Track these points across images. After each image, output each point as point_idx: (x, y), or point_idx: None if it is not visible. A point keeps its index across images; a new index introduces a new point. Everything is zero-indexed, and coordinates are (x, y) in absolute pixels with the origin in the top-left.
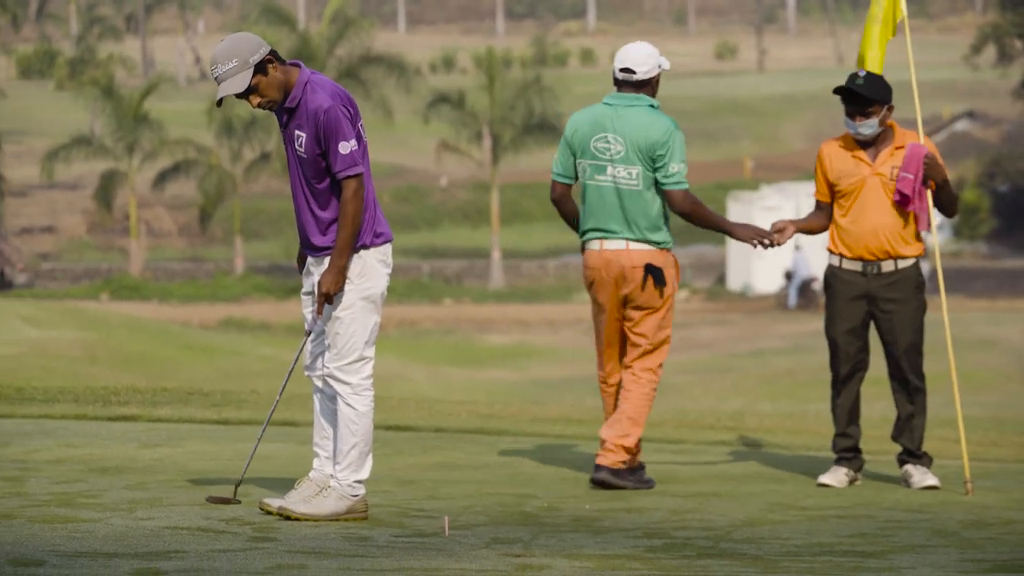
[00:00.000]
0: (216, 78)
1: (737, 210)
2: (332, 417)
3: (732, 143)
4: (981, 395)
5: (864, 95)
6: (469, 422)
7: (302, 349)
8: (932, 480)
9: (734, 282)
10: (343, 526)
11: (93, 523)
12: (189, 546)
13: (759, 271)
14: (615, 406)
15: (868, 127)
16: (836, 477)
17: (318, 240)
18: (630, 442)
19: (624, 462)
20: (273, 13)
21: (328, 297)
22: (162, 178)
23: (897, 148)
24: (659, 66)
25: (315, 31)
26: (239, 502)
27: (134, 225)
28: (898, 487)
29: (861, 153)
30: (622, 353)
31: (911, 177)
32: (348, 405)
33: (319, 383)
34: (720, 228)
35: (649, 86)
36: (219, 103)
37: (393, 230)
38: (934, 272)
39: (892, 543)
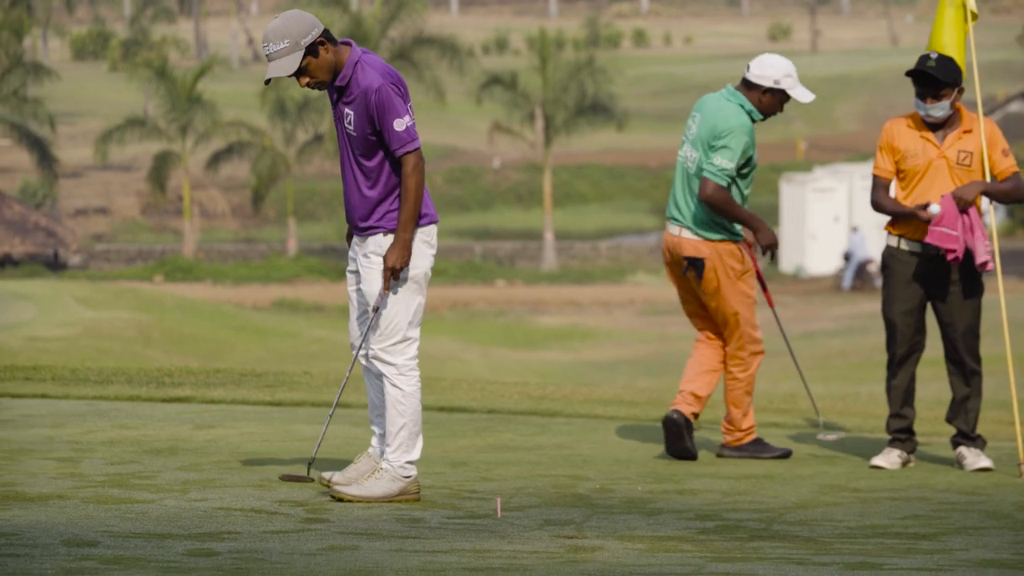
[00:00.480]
0: (267, 56)
1: (790, 192)
2: (381, 396)
3: (785, 124)
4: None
5: (937, 77)
6: (521, 403)
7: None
8: (986, 462)
9: (787, 264)
10: (395, 507)
11: (147, 504)
12: (242, 527)
13: (812, 253)
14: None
15: (939, 109)
16: (889, 459)
17: (364, 219)
18: (735, 419)
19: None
20: None
21: (395, 272)
22: (215, 159)
23: (965, 132)
24: (774, 80)
25: (368, 12)
26: (312, 480)
27: (187, 206)
28: (951, 469)
29: (929, 134)
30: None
31: (955, 234)
32: (394, 386)
33: (364, 363)
34: (747, 222)
35: (756, 92)
36: (267, 82)
37: (445, 211)
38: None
39: (945, 525)
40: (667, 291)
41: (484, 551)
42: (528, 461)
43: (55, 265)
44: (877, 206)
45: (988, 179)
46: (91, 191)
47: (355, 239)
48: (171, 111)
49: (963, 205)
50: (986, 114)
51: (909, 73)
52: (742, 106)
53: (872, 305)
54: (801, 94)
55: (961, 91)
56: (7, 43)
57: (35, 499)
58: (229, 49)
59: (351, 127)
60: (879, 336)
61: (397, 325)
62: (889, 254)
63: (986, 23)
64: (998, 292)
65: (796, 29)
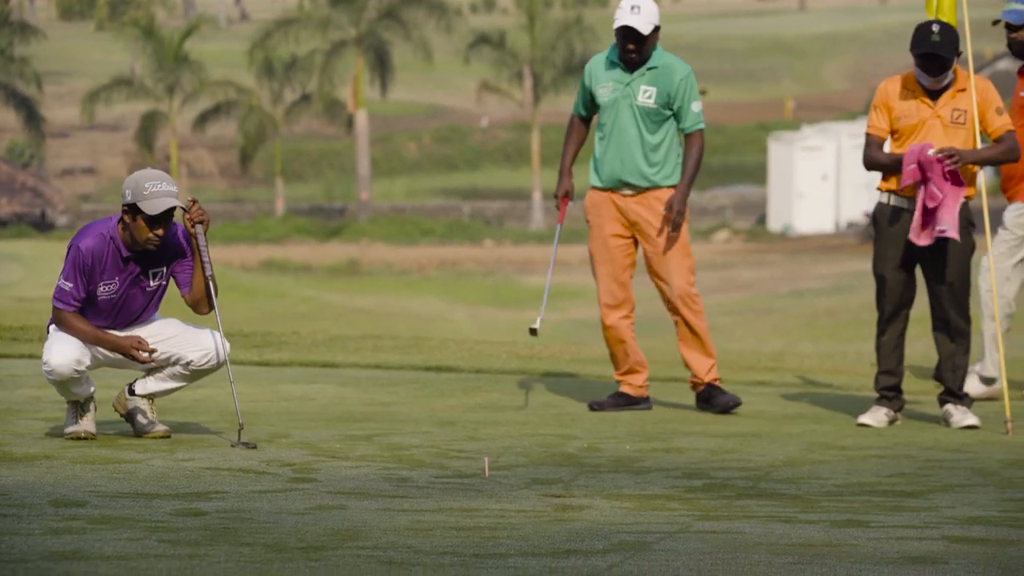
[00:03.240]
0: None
1: (778, 150)
2: None
3: (773, 83)
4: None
5: (944, 56)
6: (509, 363)
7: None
8: (972, 419)
9: (775, 223)
10: (383, 467)
11: (134, 464)
12: (229, 487)
13: (800, 211)
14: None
15: (942, 80)
16: (875, 417)
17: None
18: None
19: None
20: None
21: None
22: (203, 119)
23: (959, 91)
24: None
25: None
26: (255, 446)
27: (175, 166)
28: (938, 427)
29: (924, 95)
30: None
31: (947, 229)
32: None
33: None
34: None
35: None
36: (630, 42)
37: (433, 171)
38: (979, 211)
39: (931, 482)
40: None
41: (472, 510)
42: (516, 421)
43: (42, 225)
44: (870, 162)
45: (978, 139)
46: (78, 151)
47: None
48: (158, 70)
49: (961, 163)
50: (975, 72)
51: (917, 54)
52: (606, 52)
53: (857, 263)
54: (616, 20)
55: (959, 53)
56: None
57: (22, 459)
58: (216, 8)
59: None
60: (867, 294)
61: None
62: (880, 211)
63: None
64: (986, 250)
65: None
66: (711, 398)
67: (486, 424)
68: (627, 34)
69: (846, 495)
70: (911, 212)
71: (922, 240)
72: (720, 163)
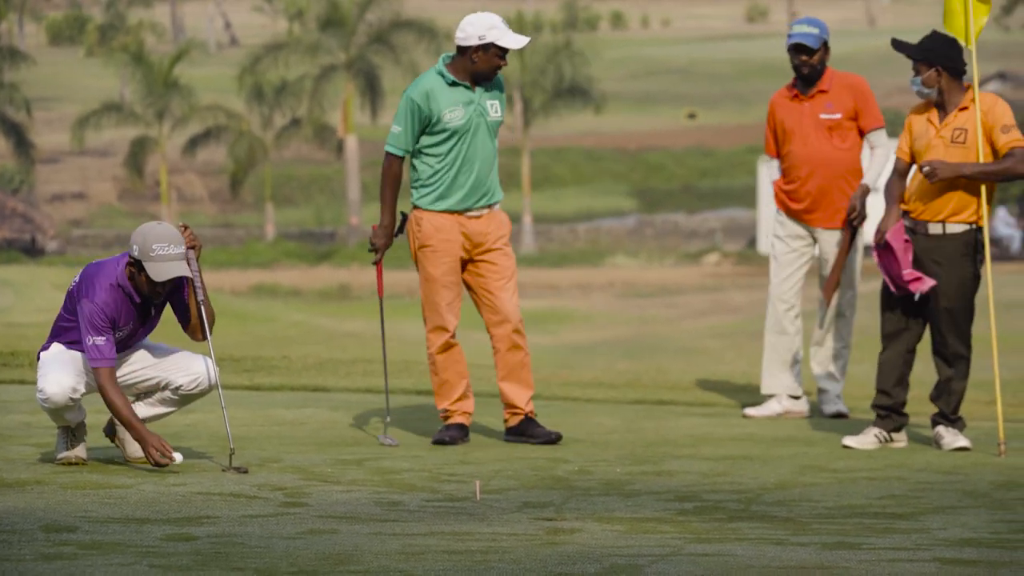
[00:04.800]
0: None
1: (768, 173)
2: None
3: (763, 106)
4: (1012, 357)
5: (908, 51)
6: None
7: None
8: (963, 442)
9: (765, 245)
10: (374, 491)
11: (125, 489)
12: (221, 512)
13: None
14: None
15: (914, 84)
16: (861, 440)
17: None
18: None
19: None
20: None
21: None
22: (192, 144)
23: (961, 110)
24: (479, 37)
25: None
26: (246, 471)
27: (165, 191)
28: (929, 448)
29: (934, 115)
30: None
31: (915, 277)
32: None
33: None
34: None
35: (468, 54)
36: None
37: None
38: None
39: (923, 504)
40: (646, 274)
41: (463, 534)
42: (507, 444)
43: (32, 251)
44: (885, 190)
45: (981, 158)
46: (68, 176)
47: None
48: (148, 96)
49: (936, 175)
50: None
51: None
52: (436, 70)
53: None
54: (512, 40)
55: (946, 71)
56: None
57: (13, 485)
58: (206, 33)
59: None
60: (860, 317)
61: None
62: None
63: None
64: (987, 273)
65: (774, 11)
66: (527, 430)
67: (477, 448)
68: (504, 53)
69: (837, 517)
70: (921, 234)
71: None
72: (710, 186)
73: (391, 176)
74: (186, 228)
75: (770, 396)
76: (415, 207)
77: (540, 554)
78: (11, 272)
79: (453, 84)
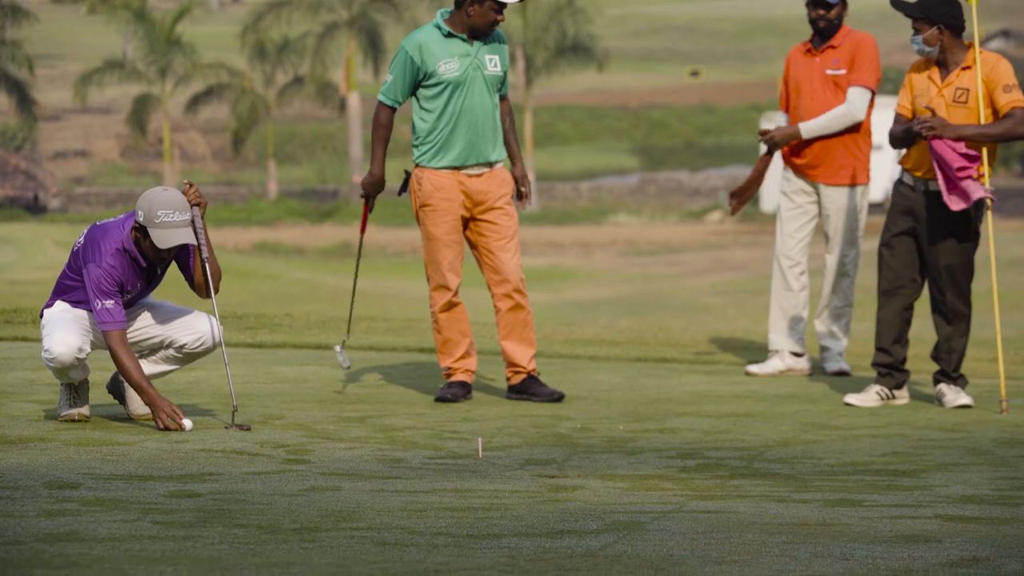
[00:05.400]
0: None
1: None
2: None
3: (767, 64)
4: (1014, 315)
5: (908, 10)
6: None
7: None
8: (965, 399)
9: (768, 203)
10: (377, 448)
11: (128, 446)
12: (223, 468)
13: None
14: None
15: (915, 43)
16: (863, 397)
17: None
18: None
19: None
20: None
21: None
22: (195, 102)
23: (964, 69)
24: None
25: None
26: (249, 428)
27: (167, 149)
28: (931, 406)
29: (935, 73)
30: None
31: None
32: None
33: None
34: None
35: (464, 8)
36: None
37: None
38: None
39: (925, 461)
40: (648, 232)
41: (465, 491)
42: (509, 402)
43: (35, 208)
44: (889, 137)
45: (982, 119)
46: (71, 134)
47: None
48: (150, 53)
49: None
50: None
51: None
52: (434, 23)
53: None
54: None
55: (948, 29)
56: None
57: (16, 442)
58: None
59: None
60: (861, 275)
61: None
62: (895, 188)
63: None
64: (988, 228)
65: None
66: (529, 388)
67: (479, 405)
68: (501, 8)
69: (839, 474)
70: (921, 192)
71: (953, 205)
72: (713, 144)
73: (379, 125)
74: (191, 185)
75: (774, 352)
76: (416, 165)
77: (542, 511)
78: (14, 229)
79: (449, 36)
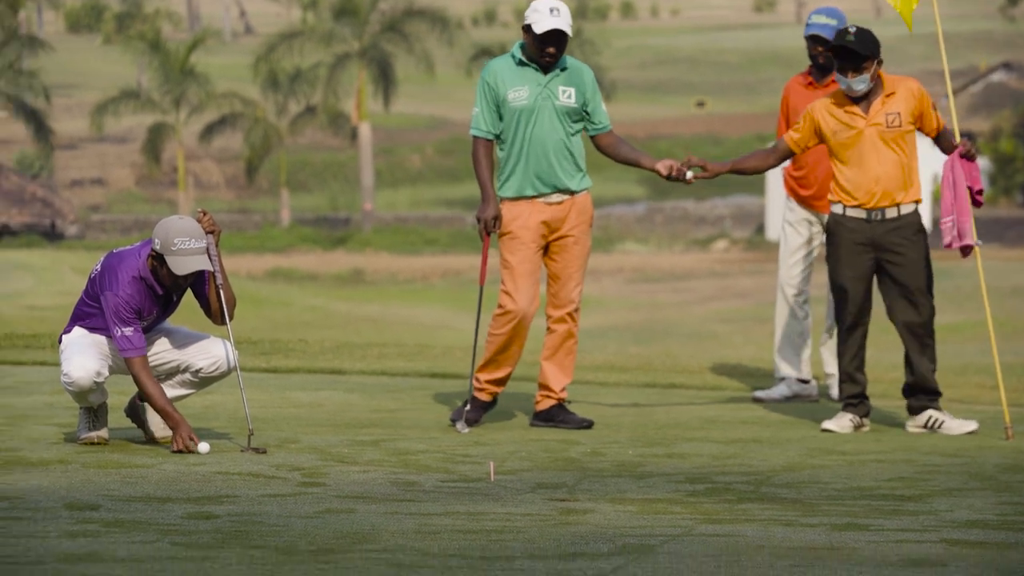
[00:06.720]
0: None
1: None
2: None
3: (772, 95)
4: (1016, 343)
5: (857, 51)
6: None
7: None
8: (971, 426)
9: (773, 232)
10: (391, 471)
11: (146, 468)
12: (240, 491)
13: None
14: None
15: (861, 82)
16: (840, 423)
17: None
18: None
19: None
20: None
21: None
22: (209, 131)
23: (888, 96)
24: (525, 21)
25: None
26: (264, 451)
27: (182, 177)
28: (935, 432)
29: (854, 107)
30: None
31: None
32: None
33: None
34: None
35: (527, 36)
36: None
37: (436, 182)
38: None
39: (930, 487)
40: (656, 260)
41: (478, 513)
42: (520, 426)
43: (52, 235)
44: (762, 167)
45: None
46: (87, 162)
47: None
48: (165, 83)
49: (972, 154)
50: (968, 85)
51: (829, 48)
52: (510, 52)
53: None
54: (541, 25)
55: (880, 62)
56: (2, 16)
57: (37, 464)
58: (222, 21)
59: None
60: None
61: None
62: (835, 221)
63: None
64: (976, 259)
65: (781, 0)
66: (556, 416)
67: (491, 430)
68: (550, 37)
69: (846, 499)
70: (868, 222)
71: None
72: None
73: (476, 158)
74: (205, 214)
75: (780, 379)
76: (500, 197)
77: (554, 534)
78: (31, 256)
79: (521, 64)
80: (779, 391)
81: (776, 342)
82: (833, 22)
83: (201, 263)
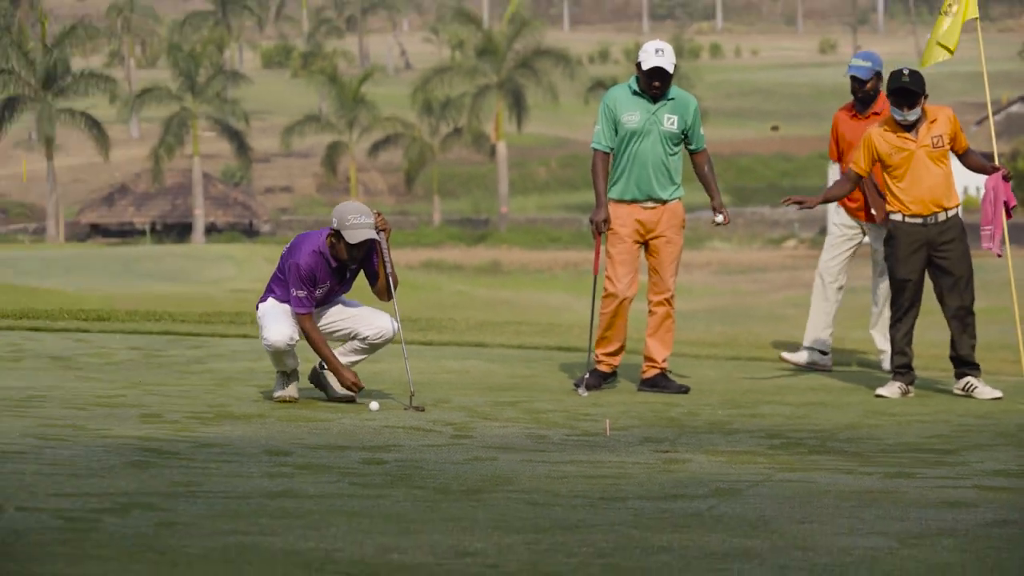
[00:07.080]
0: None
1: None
2: None
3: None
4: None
5: (912, 89)
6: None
7: None
8: (996, 392)
9: None
10: (525, 427)
11: (328, 422)
12: (404, 442)
13: None
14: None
15: (913, 115)
16: (891, 390)
17: None
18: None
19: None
20: (463, 15)
21: None
22: (375, 148)
23: (931, 122)
24: (638, 60)
25: (497, 30)
26: (423, 409)
27: (353, 185)
28: (969, 398)
29: (905, 133)
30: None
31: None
32: None
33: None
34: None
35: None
36: (657, 80)
37: (559, 190)
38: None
39: (964, 443)
40: (737, 256)
41: (597, 462)
42: (630, 390)
43: (250, 232)
44: (836, 194)
45: (951, 153)
46: (277, 173)
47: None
48: (340, 109)
49: (1010, 176)
50: (994, 113)
51: (891, 91)
52: (627, 83)
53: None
54: (648, 62)
55: (927, 96)
56: (211, 55)
57: (241, 417)
58: (386, 59)
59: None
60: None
61: None
62: (895, 227)
63: (992, 39)
64: (1007, 257)
65: (841, 44)
66: (660, 383)
67: (606, 393)
68: (656, 74)
69: (896, 452)
70: (924, 226)
71: (996, 248)
72: (789, 185)
73: (594, 168)
74: (379, 215)
75: (805, 348)
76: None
77: (659, 479)
78: (234, 249)
79: (635, 94)
80: (802, 356)
81: (810, 318)
82: (868, 64)
83: (370, 233)
